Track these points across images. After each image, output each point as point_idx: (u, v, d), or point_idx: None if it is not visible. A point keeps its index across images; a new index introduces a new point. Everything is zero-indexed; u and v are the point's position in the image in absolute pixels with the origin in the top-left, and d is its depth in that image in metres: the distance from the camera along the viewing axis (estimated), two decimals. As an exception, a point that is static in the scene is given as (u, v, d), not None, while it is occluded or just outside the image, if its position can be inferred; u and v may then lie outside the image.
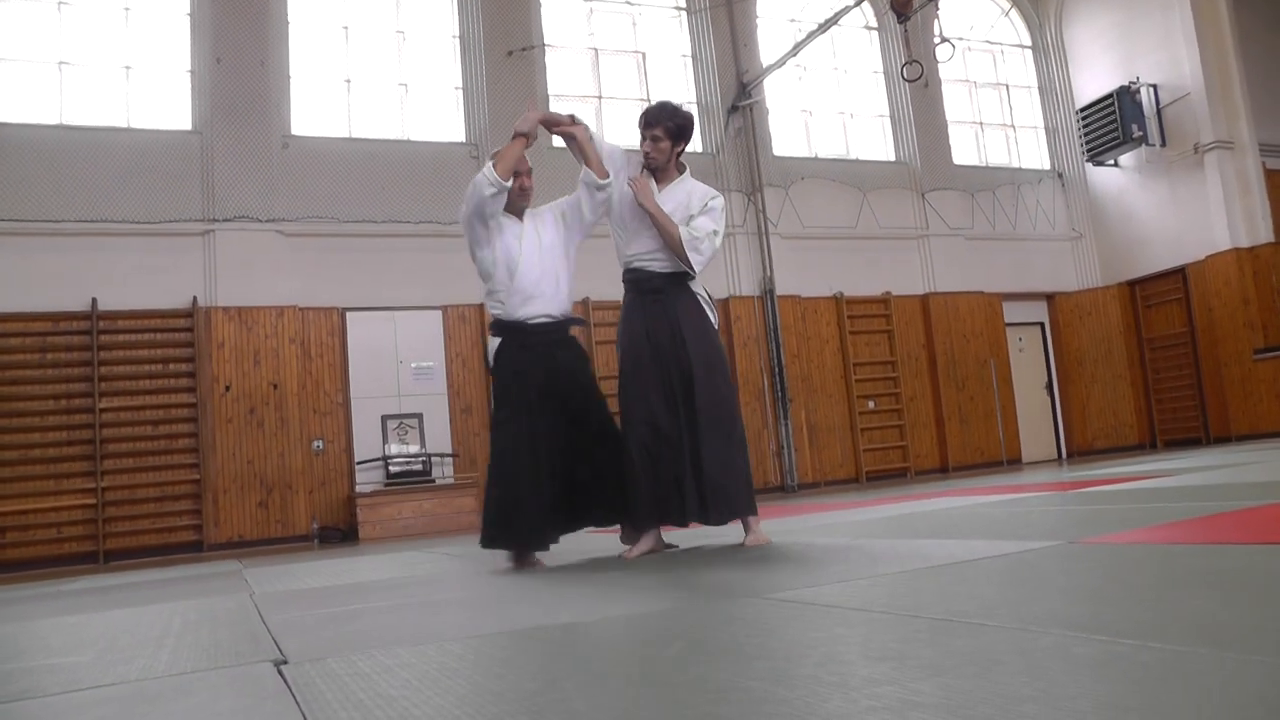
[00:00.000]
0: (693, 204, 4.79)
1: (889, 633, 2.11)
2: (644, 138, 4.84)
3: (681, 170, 4.94)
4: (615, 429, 4.86)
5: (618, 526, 4.91)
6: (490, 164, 4.72)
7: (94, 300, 10.88)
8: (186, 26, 12.00)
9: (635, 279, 4.86)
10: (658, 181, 4.88)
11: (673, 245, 4.68)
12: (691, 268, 4.70)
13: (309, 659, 2.41)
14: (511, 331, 4.81)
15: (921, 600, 2.53)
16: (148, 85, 11.83)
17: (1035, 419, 15.87)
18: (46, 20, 11.55)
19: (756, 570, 3.65)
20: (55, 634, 3.74)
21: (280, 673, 2.23)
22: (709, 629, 2.37)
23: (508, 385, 4.79)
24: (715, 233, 4.75)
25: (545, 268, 4.88)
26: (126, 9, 11.88)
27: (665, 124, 4.79)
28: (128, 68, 11.77)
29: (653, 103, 4.98)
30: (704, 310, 4.81)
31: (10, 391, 10.57)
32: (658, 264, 4.78)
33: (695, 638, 2.26)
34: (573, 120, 4.99)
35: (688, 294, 4.80)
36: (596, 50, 14.10)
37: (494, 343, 4.86)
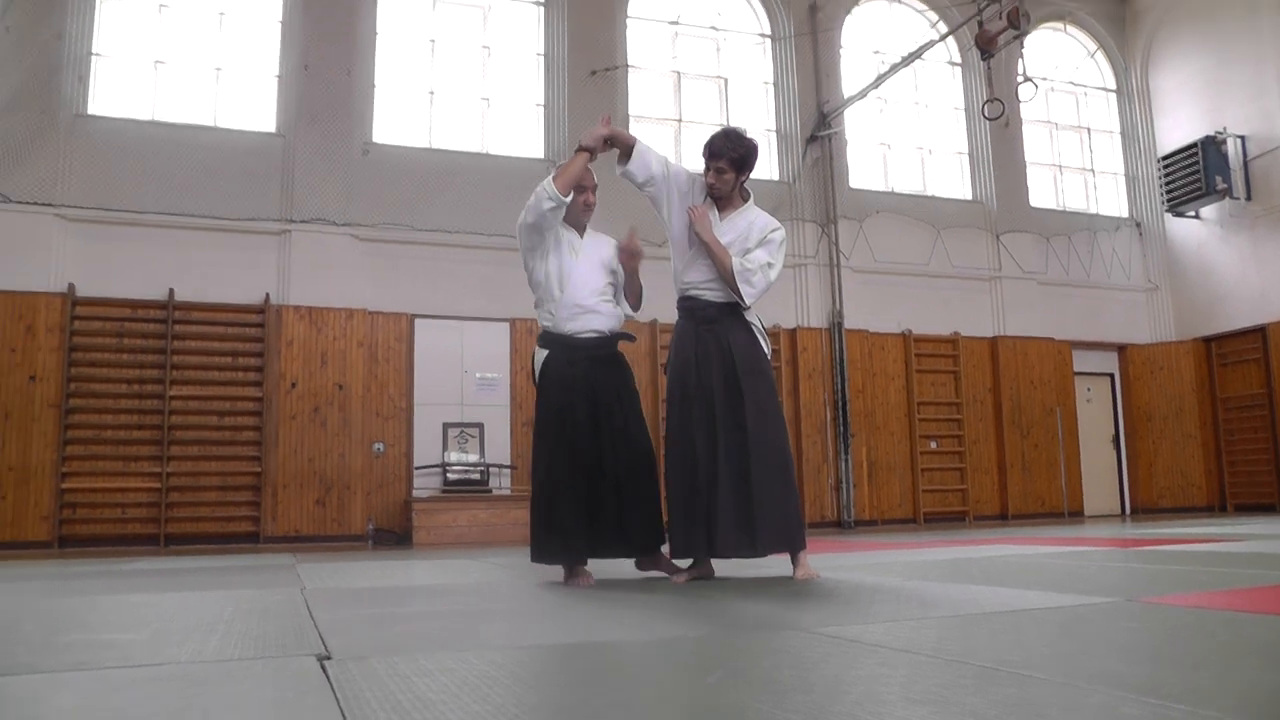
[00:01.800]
0: (752, 235, 4.77)
1: (933, 677, 2.08)
2: (708, 167, 4.83)
3: (746, 199, 4.93)
4: (649, 450, 4.87)
5: (655, 558, 4.89)
6: (551, 177, 4.74)
7: (171, 290, 11.11)
8: (277, 33, 12.26)
9: (689, 307, 4.86)
10: (720, 210, 4.87)
11: (725, 275, 4.67)
12: (743, 299, 4.68)
13: (352, 657, 2.44)
14: (559, 345, 4.83)
15: (970, 646, 2.49)
16: (236, 87, 12.10)
17: (1100, 472, 15.56)
18: (147, 21, 11.88)
19: (803, 604, 3.62)
20: (116, 611, 3.85)
21: (323, 668, 2.26)
22: (749, 659, 2.36)
23: (552, 399, 4.80)
24: (770, 265, 4.72)
25: (597, 285, 4.89)
26: (222, 13, 12.18)
27: (729, 155, 4.77)
28: (218, 69, 12.05)
29: (718, 130, 4.96)
30: (756, 340, 4.79)
31: (88, 373, 10.83)
32: (712, 293, 4.78)
33: (735, 666, 2.25)
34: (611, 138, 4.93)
35: (741, 323, 4.78)
36: (679, 74, 14.15)
37: (540, 354, 4.88)
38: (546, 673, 2.30)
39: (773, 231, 4.81)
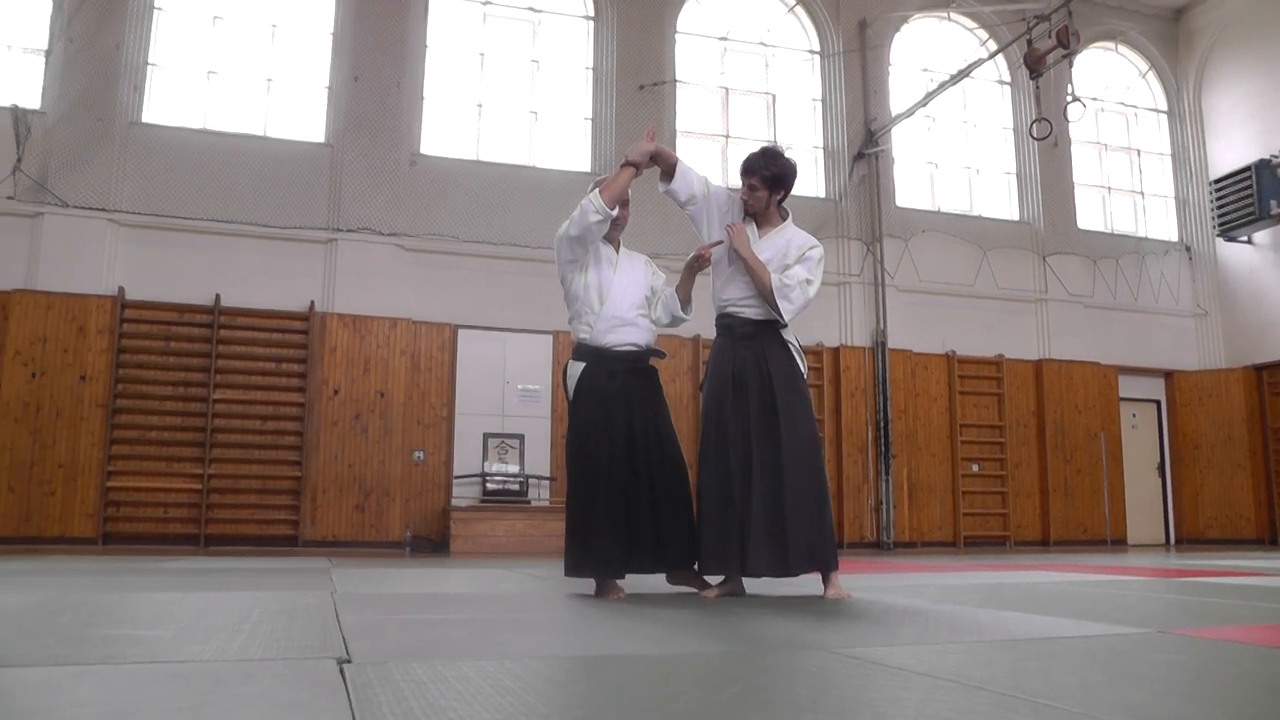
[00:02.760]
0: (790, 253, 4.76)
1: (949, 701, 2.06)
2: (743, 183, 4.84)
3: (784, 217, 4.92)
4: (684, 465, 4.87)
5: (687, 573, 4.88)
6: (596, 191, 4.76)
7: (217, 296, 11.28)
8: (328, 45, 12.44)
9: (727, 324, 4.85)
10: (759, 228, 4.87)
11: (763, 291, 4.67)
12: (781, 315, 4.68)
13: (372, 661, 2.46)
14: (596, 357, 4.83)
15: (992, 673, 2.47)
16: (286, 98, 12.31)
17: (1144, 500, 15.33)
18: (201, 31, 12.11)
19: (829, 624, 3.60)
20: (146, 608, 3.90)
21: (341, 671, 2.28)
22: (768, 676, 2.35)
23: (589, 412, 4.80)
24: (808, 281, 4.71)
25: (635, 298, 4.91)
26: (274, 25, 12.38)
27: (761, 173, 4.76)
28: (269, 80, 12.24)
29: (759, 148, 4.96)
30: (793, 357, 4.77)
31: (135, 375, 11.03)
32: (750, 310, 4.77)
33: (752, 683, 2.25)
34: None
35: (778, 341, 4.77)
36: (727, 89, 14.18)
37: (575, 368, 4.87)
38: (562, 684, 2.31)
39: (811, 249, 4.80)
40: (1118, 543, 14.52)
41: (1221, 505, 15.12)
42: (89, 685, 2.16)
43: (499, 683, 2.17)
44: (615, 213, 4.78)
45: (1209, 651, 3.00)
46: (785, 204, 4.96)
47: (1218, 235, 15.66)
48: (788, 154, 4.92)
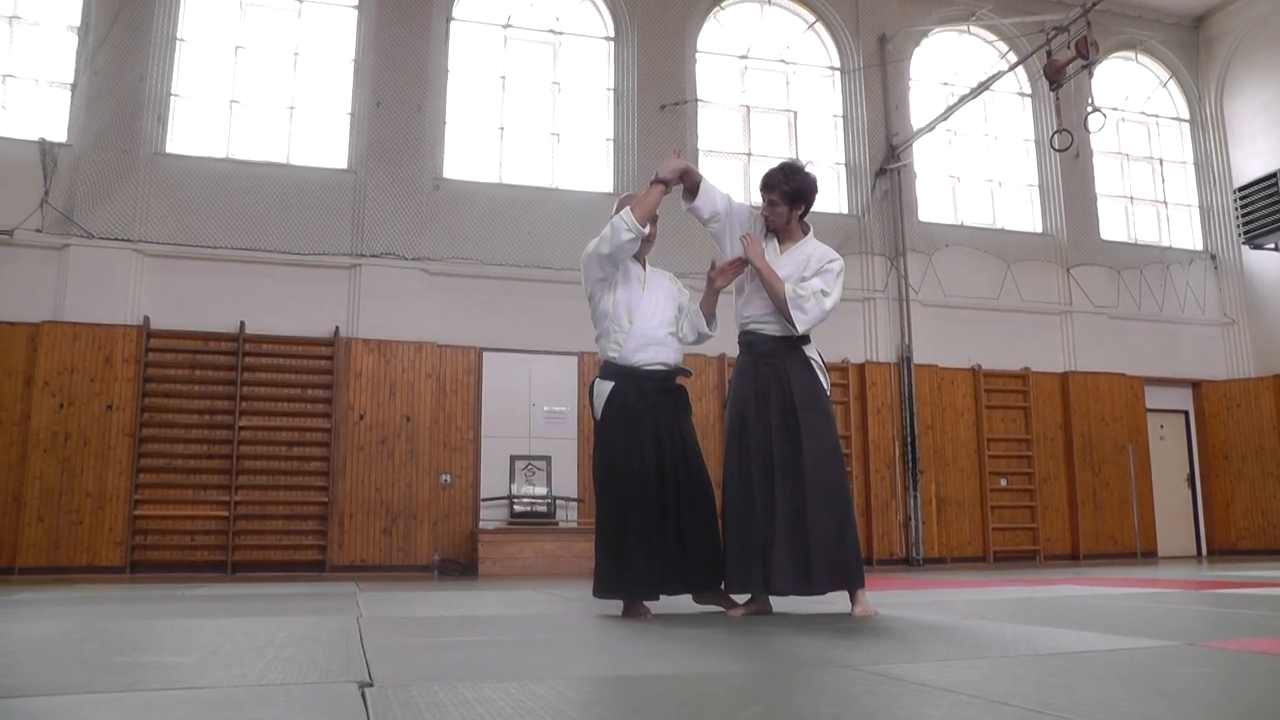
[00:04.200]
0: (810, 266, 4.76)
1: (971, 718, 2.05)
2: (764, 199, 4.84)
3: (805, 232, 4.92)
4: (710, 484, 4.85)
5: (714, 592, 4.86)
6: (628, 209, 4.76)
7: (242, 323, 11.35)
8: (350, 72, 12.54)
9: (749, 341, 4.85)
10: (780, 243, 4.87)
11: (777, 301, 4.66)
12: (794, 325, 4.65)
13: (394, 684, 2.47)
14: (626, 376, 4.82)
15: (1016, 689, 2.45)
16: (309, 125, 12.41)
17: (1174, 511, 15.17)
18: (224, 62, 12.25)
19: (854, 641, 3.58)
20: (173, 634, 3.93)
21: (363, 695, 2.29)
22: (790, 695, 2.34)
23: (619, 432, 4.78)
24: (824, 293, 4.69)
25: (665, 316, 4.91)
26: (296, 54, 12.50)
27: (781, 188, 4.77)
28: (291, 108, 12.35)
29: (775, 164, 4.96)
30: (815, 375, 4.75)
31: (161, 404, 11.10)
32: (770, 327, 4.77)
33: (774, 702, 2.24)
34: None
35: (800, 358, 4.76)
36: (748, 107, 14.20)
37: (604, 386, 4.84)
38: (584, 705, 2.30)
39: (830, 261, 4.80)
40: (1148, 555, 14.37)
41: (1254, 515, 14.94)
42: (110, 713, 2.17)
43: (521, 704, 2.17)
44: (647, 230, 4.78)
45: (1238, 664, 2.97)
46: (808, 219, 4.96)
47: (1243, 243, 15.51)
48: (808, 168, 4.92)
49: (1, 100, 11.43)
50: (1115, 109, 15.64)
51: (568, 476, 12.03)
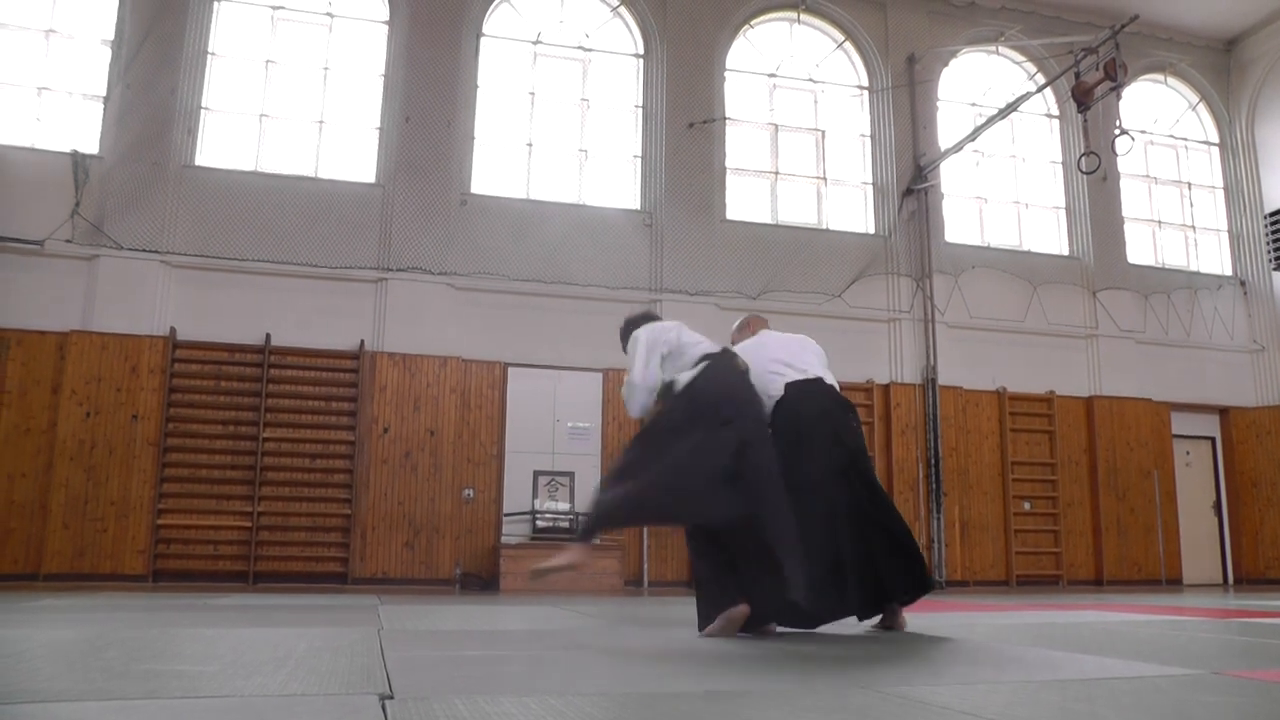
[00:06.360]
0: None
1: (992, 739, 2.03)
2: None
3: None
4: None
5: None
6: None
7: (268, 335, 11.41)
8: (379, 87, 12.63)
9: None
10: None
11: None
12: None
13: (414, 697, 2.47)
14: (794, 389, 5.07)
15: (1036, 713, 2.43)
16: (338, 139, 12.49)
17: (1200, 539, 15.00)
18: (254, 76, 12.36)
19: (877, 662, 3.57)
20: (194, 643, 3.94)
21: (383, 707, 2.29)
22: (809, 715, 2.32)
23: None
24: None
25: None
26: (326, 69, 12.61)
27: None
28: (320, 122, 12.44)
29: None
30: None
31: (187, 414, 11.16)
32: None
33: (793, 722, 2.23)
34: None
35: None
36: (776, 126, 14.21)
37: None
38: (598, 719, 2.29)
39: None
40: (1173, 583, 14.23)
41: (1283, 544, 14.77)
42: (131, 720, 2.18)
43: (539, 718, 2.17)
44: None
45: (1262, 693, 2.94)
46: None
47: (1274, 269, 15.39)
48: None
49: (36, 112, 11.57)
50: (1144, 132, 15.58)
51: (591, 492, 11.99)
